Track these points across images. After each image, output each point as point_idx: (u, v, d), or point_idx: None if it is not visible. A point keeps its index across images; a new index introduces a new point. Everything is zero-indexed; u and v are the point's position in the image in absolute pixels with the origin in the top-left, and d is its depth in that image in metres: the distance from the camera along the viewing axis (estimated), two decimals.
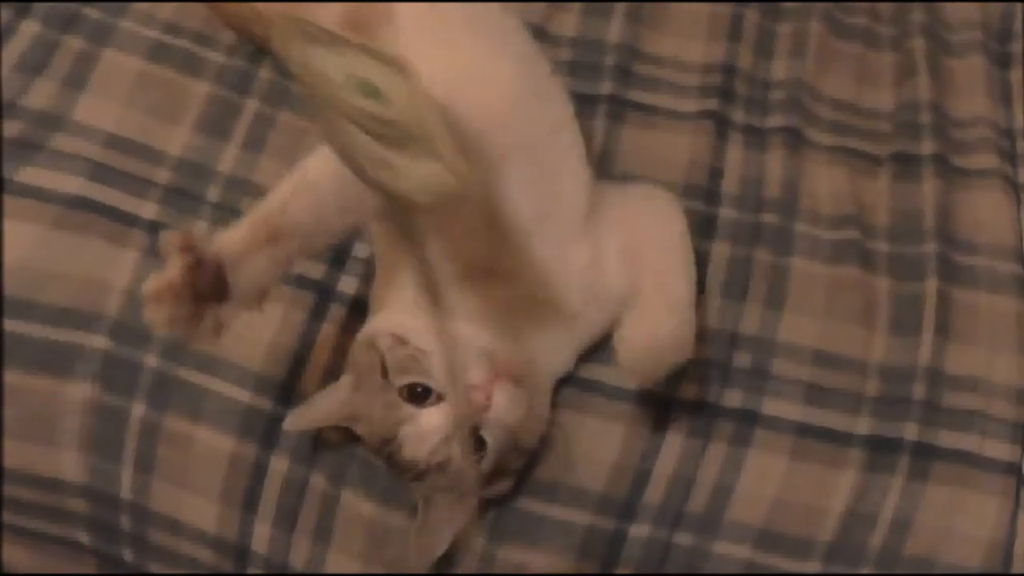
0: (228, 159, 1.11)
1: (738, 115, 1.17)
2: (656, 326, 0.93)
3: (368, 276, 1.04)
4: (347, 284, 1.05)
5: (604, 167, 1.11)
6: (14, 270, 1.02)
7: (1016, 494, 0.97)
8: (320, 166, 0.88)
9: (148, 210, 1.06)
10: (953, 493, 0.97)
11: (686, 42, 1.22)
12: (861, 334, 1.05)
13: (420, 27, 1.02)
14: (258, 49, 1.17)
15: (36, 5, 1.17)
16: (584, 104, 1.11)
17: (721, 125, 1.16)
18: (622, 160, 1.13)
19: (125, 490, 1.01)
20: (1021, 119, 1.19)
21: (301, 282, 1.04)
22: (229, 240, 0.84)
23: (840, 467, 0.98)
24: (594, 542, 0.97)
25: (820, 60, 1.22)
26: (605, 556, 0.97)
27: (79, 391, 1.00)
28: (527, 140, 0.99)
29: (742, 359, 1.03)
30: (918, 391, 1.01)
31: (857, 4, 1.28)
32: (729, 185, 1.12)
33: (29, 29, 1.16)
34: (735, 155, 1.14)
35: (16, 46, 1.15)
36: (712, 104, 1.16)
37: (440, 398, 0.91)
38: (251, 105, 1.14)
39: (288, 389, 1.00)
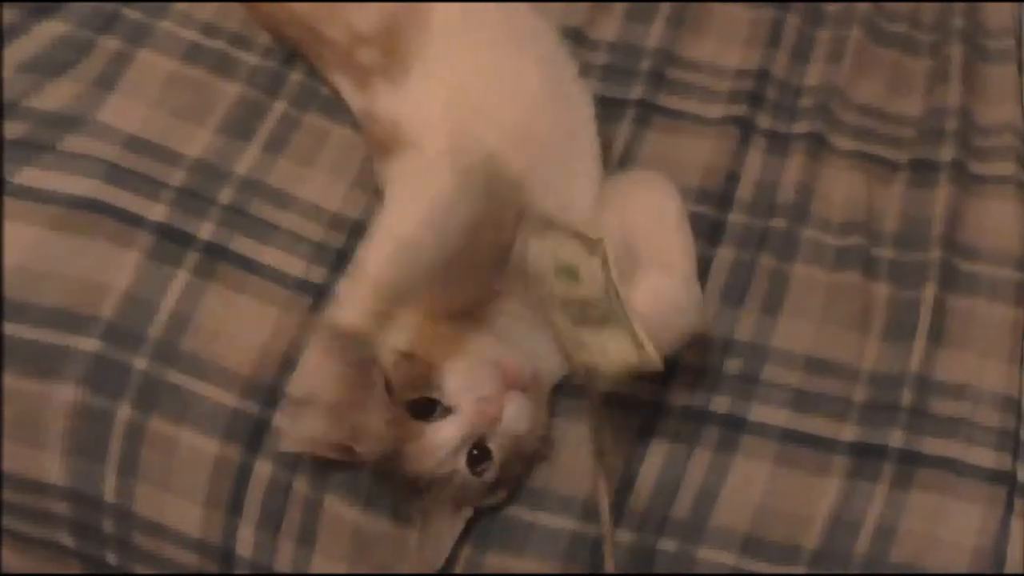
0: (247, 160, 1.10)
1: (765, 120, 1.17)
2: (661, 291, 0.92)
3: None
4: None
5: (622, 170, 1.11)
6: (11, 272, 1.02)
7: (1008, 500, 0.97)
8: None
9: (156, 211, 1.06)
10: (938, 500, 0.97)
11: (724, 47, 1.22)
12: (855, 340, 1.04)
13: (454, 31, 1.03)
14: (292, 52, 1.16)
15: (69, 5, 1.17)
16: (613, 108, 1.12)
17: (746, 131, 1.16)
18: (641, 164, 1.13)
19: (109, 493, 1.01)
20: None
21: (301, 285, 1.04)
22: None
23: (825, 474, 0.98)
24: (579, 548, 0.96)
25: (856, 66, 1.22)
26: (590, 562, 0.96)
27: (65, 393, 1.00)
28: (547, 142, 0.99)
29: (733, 365, 1.03)
30: (906, 397, 1.01)
31: (899, 10, 1.27)
32: (743, 191, 1.12)
33: (50, 30, 1.16)
34: (755, 160, 1.14)
35: (27, 47, 1.14)
36: (739, 110, 1.17)
37: (447, 411, 0.91)
38: (279, 107, 1.14)
39: (275, 393, 1.00)
